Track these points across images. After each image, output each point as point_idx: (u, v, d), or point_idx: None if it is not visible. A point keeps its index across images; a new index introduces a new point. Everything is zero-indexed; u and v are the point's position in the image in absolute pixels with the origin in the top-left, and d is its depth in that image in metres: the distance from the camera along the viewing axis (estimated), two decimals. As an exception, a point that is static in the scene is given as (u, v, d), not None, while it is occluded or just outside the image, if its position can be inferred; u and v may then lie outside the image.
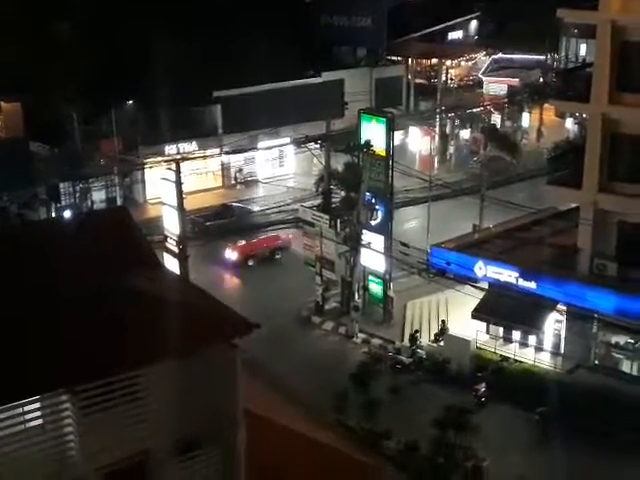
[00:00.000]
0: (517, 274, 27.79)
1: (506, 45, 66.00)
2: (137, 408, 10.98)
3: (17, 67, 42.29)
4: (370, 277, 32.79)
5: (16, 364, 10.18)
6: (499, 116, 58.41)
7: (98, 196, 44.60)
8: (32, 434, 10.28)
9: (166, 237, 30.25)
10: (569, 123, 58.50)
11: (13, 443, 10.08)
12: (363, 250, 31.76)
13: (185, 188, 30.02)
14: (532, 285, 27.36)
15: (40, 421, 10.40)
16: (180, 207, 29.43)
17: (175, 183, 29.17)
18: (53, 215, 39.77)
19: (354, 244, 31.67)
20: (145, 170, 44.01)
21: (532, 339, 28.86)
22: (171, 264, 28.49)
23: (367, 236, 31.72)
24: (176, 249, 29.72)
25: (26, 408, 10.17)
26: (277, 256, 38.51)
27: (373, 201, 31.65)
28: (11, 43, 42.55)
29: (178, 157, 38.36)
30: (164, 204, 30.69)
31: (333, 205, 34.21)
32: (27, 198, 42.94)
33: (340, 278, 32.88)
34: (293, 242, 38.78)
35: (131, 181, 47.00)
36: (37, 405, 10.32)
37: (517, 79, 62.08)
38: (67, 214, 35.79)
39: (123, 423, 10.83)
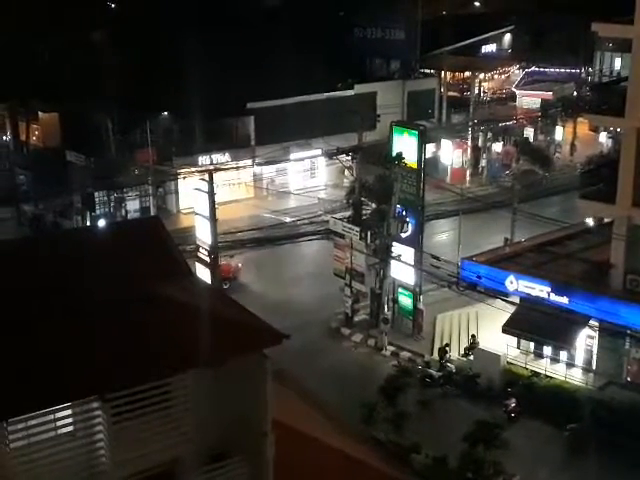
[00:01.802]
0: (549, 289, 27.53)
1: (540, 58, 65.70)
2: (167, 416, 11.05)
3: (54, 78, 43.05)
4: (400, 289, 32.73)
5: (49, 370, 10.33)
6: (532, 129, 58.12)
7: (132, 206, 45.15)
8: (63, 441, 10.39)
9: (198, 247, 30.53)
10: (603, 137, 58.03)
11: (44, 449, 10.19)
12: (393, 262, 31.72)
13: (217, 199, 30.27)
14: (564, 300, 27.07)
15: (71, 428, 10.52)
16: (212, 217, 29.69)
17: (208, 193, 29.46)
18: (88, 224, 40.30)
19: (384, 256, 31.65)
20: (179, 180, 44.50)
21: (563, 355, 28.54)
22: (203, 274, 28.74)
23: (397, 248, 31.68)
24: (208, 259, 29.98)
25: (58, 415, 10.29)
26: (225, 286, 34.31)
27: (404, 213, 31.62)
28: (48, 54, 43.34)
29: (211, 168, 38.71)
30: (197, 214, 30.99)
31: (364, 217, 34.25)
32: (63, 207, 43.69)
33: (369, 290, 32.87)
34: (241, 273, 37.31)
35: (165, 191, 47.53)
36: (69, 412, 10.45)
37: (550, 92, 61.72)
38: (101, 223, 36.26)
39: (153, 431, 10.91)
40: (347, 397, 24.77)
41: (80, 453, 10.59)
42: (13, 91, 50.32)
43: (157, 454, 11.01)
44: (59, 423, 10.37)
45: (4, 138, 55.40)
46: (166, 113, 47.91)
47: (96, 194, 43.08)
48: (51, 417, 10.26)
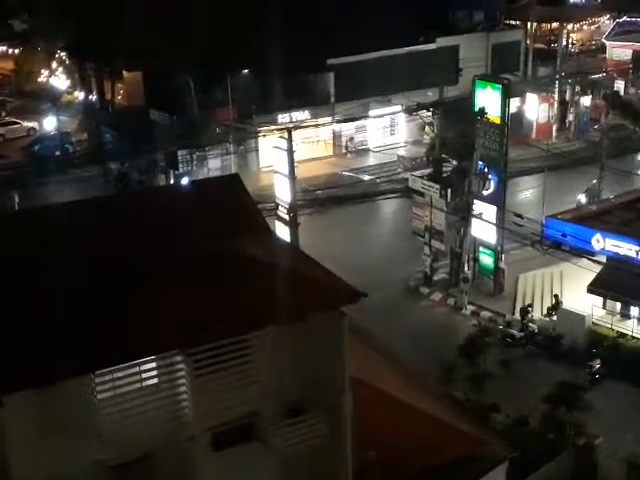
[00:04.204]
0: (638, 247, 26.67)
1: (632, 7, 62.62)
2: (247, 371, 11.25)
3: (137, 36, 43.62)
4: (481, 248, 32.22)
5: (134, 324, 10.63)
6: (622, 82, 55.69)
7: (214, 164, 45.68)
8: (148, 392, 10.71)
9: (278, 205, 30.72)
10: (699, 89, 55.21)
11: (129, 401, 10.53)
12: (474, 221, 31.19)
13: (297, 156, 30.29)
14: (654, 260, 26.21)
15: (155, 380, 10.82)
16: (291, 175, 29.77)
17: (287, 151, 29.50)
18: (171, 181, 41.08)
19: (465, 214, 31.14)
20: (259, 138, 44.71)
21: (652, 316, 27.70)
22: (282, 232, 28.95)
23: (479, 206, 31.11)
24: (287, 217, 30.15)
25: (142, 367, 10.60)
26: None
27: (486, 170, 30.95)
28: (131, 12, 43.87)
29: (290, 126, 38.71)
30: (276, 172, 31.12)
31: (444, 174, 33.71)
32: (147, 165, 44.61)
33: (449, 249, 32.49)
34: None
35: (245, 149, 47.88)
36: (153, 365, 10.75)
37: (643, 43, 58.92)
38: (184, 181, 36.86)
39: (233, 385, 11.13)
40: (426, 356, 24.66)
41: (164, 404, 10.92)
42: (99, 51, 51.39)
43: (237, 407, 11.24)
44: (144, 375, 10.68)
45: (90, 97, 56.76)
46: (246, 71, 48.00)
47: (179, 152, 43.74)
48: (136, 369, 10.58)
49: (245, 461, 11.43)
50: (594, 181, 37.29)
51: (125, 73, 54.68)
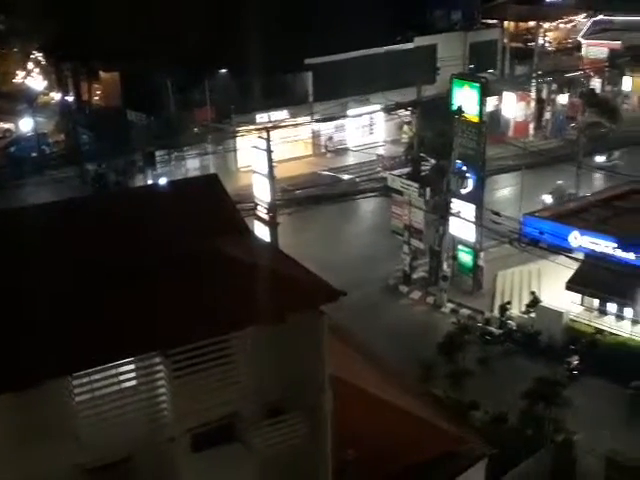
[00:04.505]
0: (615, 244, 26.90)
1: (607, 6, 63.19)
2: (227, 372, 11.22)
3: (114, 36, 43.37)
4: (459, 246, 32.38)
5: (112, 326, 10.57)
6: (599, 80, 56.21)
7: (192, 164, 45.53)
8: (126, 395, 10.65)
9: (256, 205, 30.67)
10: (674, 87, 55.79)
11: (108, 403, 10.47)
12: (453, 219, 31.34)
13: (275, 156, 30.26)
14: (630, 256, 26.43)
15: (134, 382, 10.77)
16: (270, 175, 29.74)
17: (266, 151, 29.46)
18: (149, 182, 40.87)
19: (443, 213, 31.28)
20: (237, 138, 44.61)
21: (629, 311, 27.92)
22: (261, 232, 28.91)
23: (457, 205, 31.27)
24: (266, 217, 30.11)
25: (121, 369, 10.54)
26: None
27: (464, 169, 31.11)
28: (107, 13, 43.61)
29: (269, 125, 38.67)
30: (255, 172, 31.07)
31: (423, 173, 33.83)
32: (125, 165, 44.38)
33: (428, 247, 32.62)
34: None
35: (224, 149, 47.75)
36: (131, 367, 10.69)
37: (619, 42, 59.42)
38: (162, 181, 36.72)
39: (213, 386, 11.10)
40: (405, 354, 24.75)
41: (143, 406, 10.86)
42: (75, 51, 51.01)
43: (217, 408, 11.21)
44: (122, 377, 10.62)
45: (67, 98, 56.33)
46: (224, 71, 47.87)
47: (157, 153, 43.55)
48: (115, 372, 10.51)
49: (225, 462, 11.41)
50: (559, 182, 37.56)
51: (102, 74, 54.34)
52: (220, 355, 11.01)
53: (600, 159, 37.16)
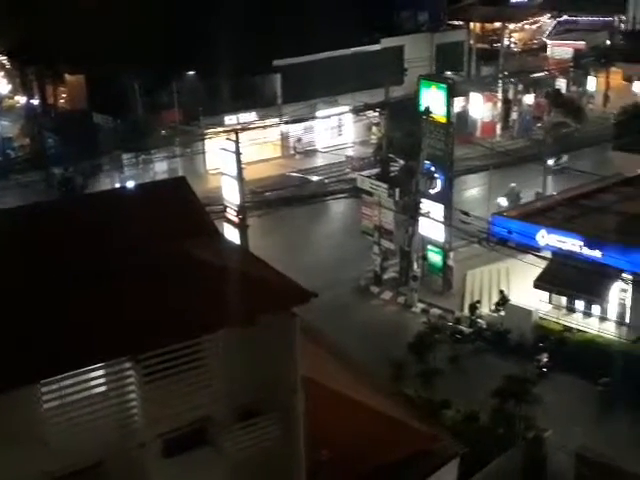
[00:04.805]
0: (581, 243, 27.19)
1: (572, 7, 64.08)
2: (198, 375, 11.13)
3: (79, 39, 42.95)
4: (429, 247, 32.55)
5: (81, 332, 10.42)
6: (564, 81, 56.94)
7: (160, 167, 45.22)
8: (96, 401, 10.50)
9: (226, 207, 30.54)
10: (637, 87, 56.67)
11: (77, 409, 10.31)
12: (422, 219, 31.49)
13: (244, 158, 30.17)
14: (597, 254, 26.74)
15: (104, 388, 10.64)
16: (239, 177, 29.63)
17: (234, 153, 29.35)
18: (116, 185, 40.49)
19: (413, 213, 31.42)
20: (205, 140, 44.40)
21: (596, 309, 28.30)
22: (231, 234, 28.79)
23: (426, 205, 31.43)
24: (236, 219, 29.99)
25: (90, 375, 10.39)
26: None
27: (432, 169, 31.28)
28: (73, 15, 43.18)
29: (237, 127, 38.54)
30: (224, 174, 30.93)
31: (392, 174, 33.95)
32: (91, 169, 43.91)
33: (399, 248, 32.73)
34: None
35: (192, 152, 47.49)
36: (101, 372, 10.56)
37: (583, 42, 60.28)
38: (130, 184, 36.41)
39: (184, 390, 10.99)
40: (376, 354, 24.76)
41: (113, 412, 10.72)
42: (40, 54, 50.38)
43: (189, 412, 11.12)
44: (92, 383, 10.47)
45: (32, 102, 55.63)
46: (192, 72, 47.63)
47: (124, 156, 43.18)
48: (84, 377, 10.37)
49: (197, 467, 11.31)
50: (512, 184, 37.91)
51: (67, 76, 53.75)
52: (191, 359, 10.91)
53: (550, 162, 37.71)
